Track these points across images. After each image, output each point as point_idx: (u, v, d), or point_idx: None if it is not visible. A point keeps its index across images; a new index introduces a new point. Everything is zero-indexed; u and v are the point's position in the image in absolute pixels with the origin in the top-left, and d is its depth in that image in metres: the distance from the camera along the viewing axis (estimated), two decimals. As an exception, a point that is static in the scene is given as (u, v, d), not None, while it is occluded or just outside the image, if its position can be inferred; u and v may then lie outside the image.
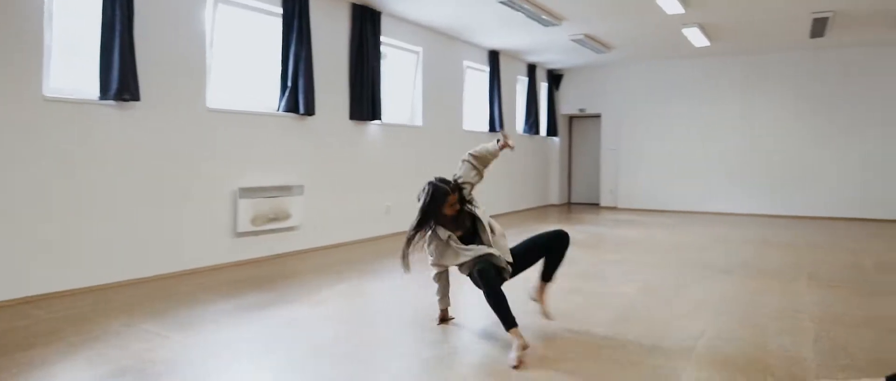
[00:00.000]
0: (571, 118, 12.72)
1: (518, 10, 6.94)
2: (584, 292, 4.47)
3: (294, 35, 5.97)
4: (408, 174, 7.79)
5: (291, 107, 6.04)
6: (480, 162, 3.47)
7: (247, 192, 5.59)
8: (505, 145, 3.51)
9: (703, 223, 9.08)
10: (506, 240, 3.43)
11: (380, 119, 7.12)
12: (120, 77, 4.45)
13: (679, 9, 6.90)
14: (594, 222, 9.33)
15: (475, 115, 9.58)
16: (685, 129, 10.92)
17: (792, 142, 10.05)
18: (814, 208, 9.88)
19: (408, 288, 4.59)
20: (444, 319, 3.67)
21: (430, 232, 3.40)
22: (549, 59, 10.81)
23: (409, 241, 3.36)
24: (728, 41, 9.01)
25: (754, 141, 10.32)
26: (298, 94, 6.05)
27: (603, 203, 11.88)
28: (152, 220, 4.86)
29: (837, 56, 9.63)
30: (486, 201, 10.49)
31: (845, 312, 3.92)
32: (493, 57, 9.69)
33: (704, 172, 10.75)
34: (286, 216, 5.99)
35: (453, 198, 3.33)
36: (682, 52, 10.07)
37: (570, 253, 3.62)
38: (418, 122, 8.11)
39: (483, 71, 9.69)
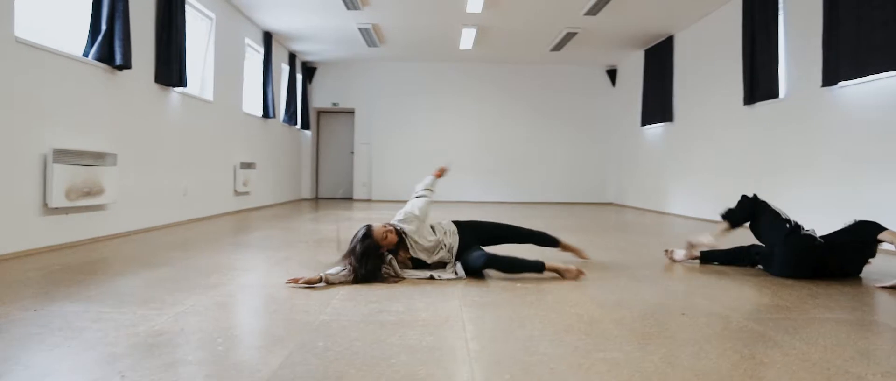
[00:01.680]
0: (320, 113, 12.68)
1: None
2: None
3: (110, -33, 4.83)
4: (201, 154, 6.89)
5: (105, 56, 4.86)
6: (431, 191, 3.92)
7: (63, 156, 4.31)
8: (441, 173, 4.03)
9: (463, 209, 10.13)
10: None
11: (185, 86, 6.17)
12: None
13: (477, 8, 7.73)
14: (371, 210, 9.57)
15: (252, 97, 8.90)
16: (436, 126, 12.00)
17: (520, 142, 11.98)
18: (534, 195, 11.95)
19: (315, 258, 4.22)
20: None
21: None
22: (311, 49, 10.67)
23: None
24: (487, 49, 10.29)
25: (493, 140, 11.98)
26: (114, 41, 4.91)
27: (356, 196, 12.17)
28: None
29: (560, 71, 11.88)
30: (253, 193, 9.58)
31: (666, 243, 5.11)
32: (267, 39, 9.16)
33: (452, 166, 11.96)
34: (100, 191, 4.77)
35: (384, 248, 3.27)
36: (444, 56, 11.09)
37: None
38: (209, 96, 7.21)
39: (259, 52, 9.08)
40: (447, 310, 2.62)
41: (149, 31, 5.67)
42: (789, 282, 3.37)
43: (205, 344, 2.06)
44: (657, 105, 9.38)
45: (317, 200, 12.15)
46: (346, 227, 6.43)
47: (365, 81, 12.06)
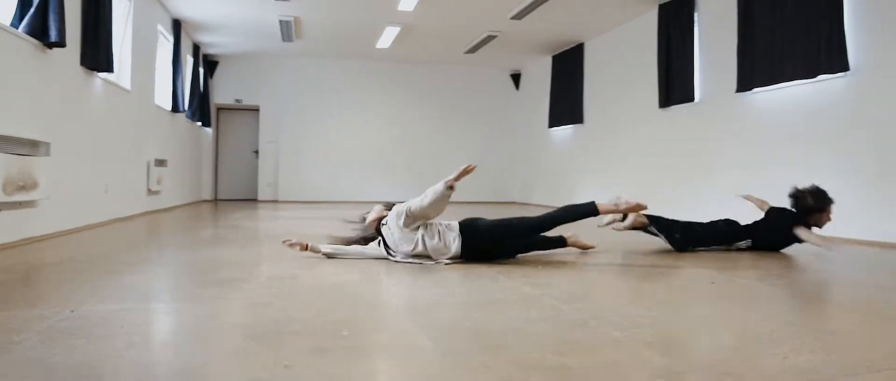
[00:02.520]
0: (220, 110, 11.96)
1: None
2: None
3: (44, -68, 4.29)
4: (119, 148, 6.30)
5: (38, 30, 4.31)
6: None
7: (1, 142, 3.77)
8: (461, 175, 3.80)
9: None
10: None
11: (112, 71, 5.62)
12: None
13: (410, 7, 7.76)
14: (278, 210, 9.23)
15: (160, 89, 8.21)
16: (347, 124, 11.80)
17: (431, 142, 12.13)
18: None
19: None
20: None
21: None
22: (216, 41, 10.07)
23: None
24: (402, 48, 10.31)
25: (404, 139, 12.01)
26: (49, 14, 4.37)
27: (261, 197, 11.63)
28: None
29: (468, 73, 12.18)
30: (164, 193, 8.90)
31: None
32: (177, 27, 8.52)
33: (360, 165, 11.84)
34: (34, 185, 4.22)
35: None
36: (359, 53, 10.94)
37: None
38: (126, 84, 6.58)
39: (169, 41, 8.41)
40: (515, 288, 2.66)
41: (75, 9, 5.09)
42: (732, 254, 3.79)
43: (322, 332, 1.93)
44: (567, 108, 9.96)
45: (216, 201, 11.42)
46: (281, 226, 6.20)
47: (272, 78, 11.57)
